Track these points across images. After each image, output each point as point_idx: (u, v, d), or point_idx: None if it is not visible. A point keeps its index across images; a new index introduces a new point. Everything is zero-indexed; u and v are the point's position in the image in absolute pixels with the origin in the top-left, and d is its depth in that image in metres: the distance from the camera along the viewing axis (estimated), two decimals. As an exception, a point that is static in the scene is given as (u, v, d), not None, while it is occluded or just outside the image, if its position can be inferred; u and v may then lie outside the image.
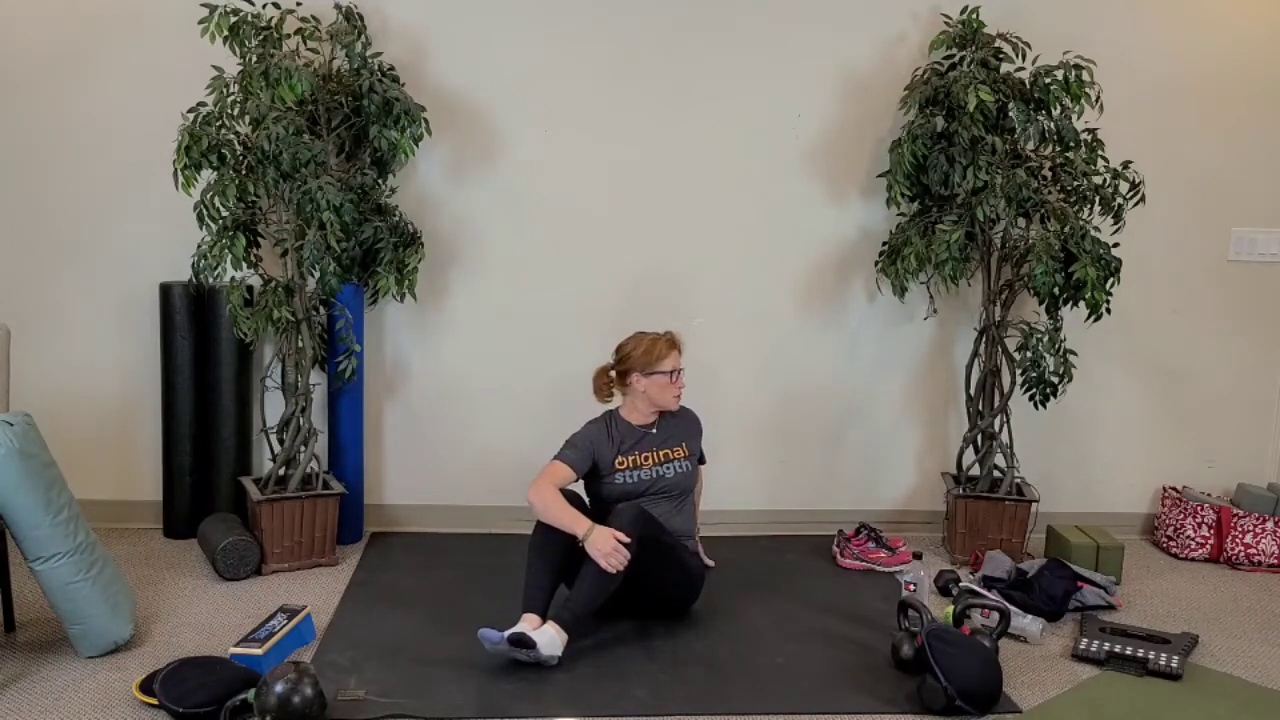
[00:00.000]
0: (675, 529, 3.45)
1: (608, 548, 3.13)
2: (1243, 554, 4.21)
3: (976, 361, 4.16)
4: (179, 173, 3.46)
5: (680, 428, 3.59)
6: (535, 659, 3.03)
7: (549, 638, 3.05)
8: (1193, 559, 4.27)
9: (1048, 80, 3.79)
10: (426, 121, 3.81)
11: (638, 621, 3.42)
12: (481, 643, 3.08)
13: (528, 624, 3.13)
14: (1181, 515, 4.28)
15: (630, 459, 3.45)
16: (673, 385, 3.48)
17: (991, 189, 3.77)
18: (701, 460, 3.70)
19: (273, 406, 3.97)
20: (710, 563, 3.80)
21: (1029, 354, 3.87)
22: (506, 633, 3.03)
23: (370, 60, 3.69)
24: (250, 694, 2.67)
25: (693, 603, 3.51)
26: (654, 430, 3.53)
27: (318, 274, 3.64)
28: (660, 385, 3.46)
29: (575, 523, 3.20)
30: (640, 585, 3.28)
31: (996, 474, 4.12)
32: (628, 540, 3.15)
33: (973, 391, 4.16)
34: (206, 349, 3.95)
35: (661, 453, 3.50)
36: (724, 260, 4.23)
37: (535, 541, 3.27)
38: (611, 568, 3.12)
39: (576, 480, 3.41)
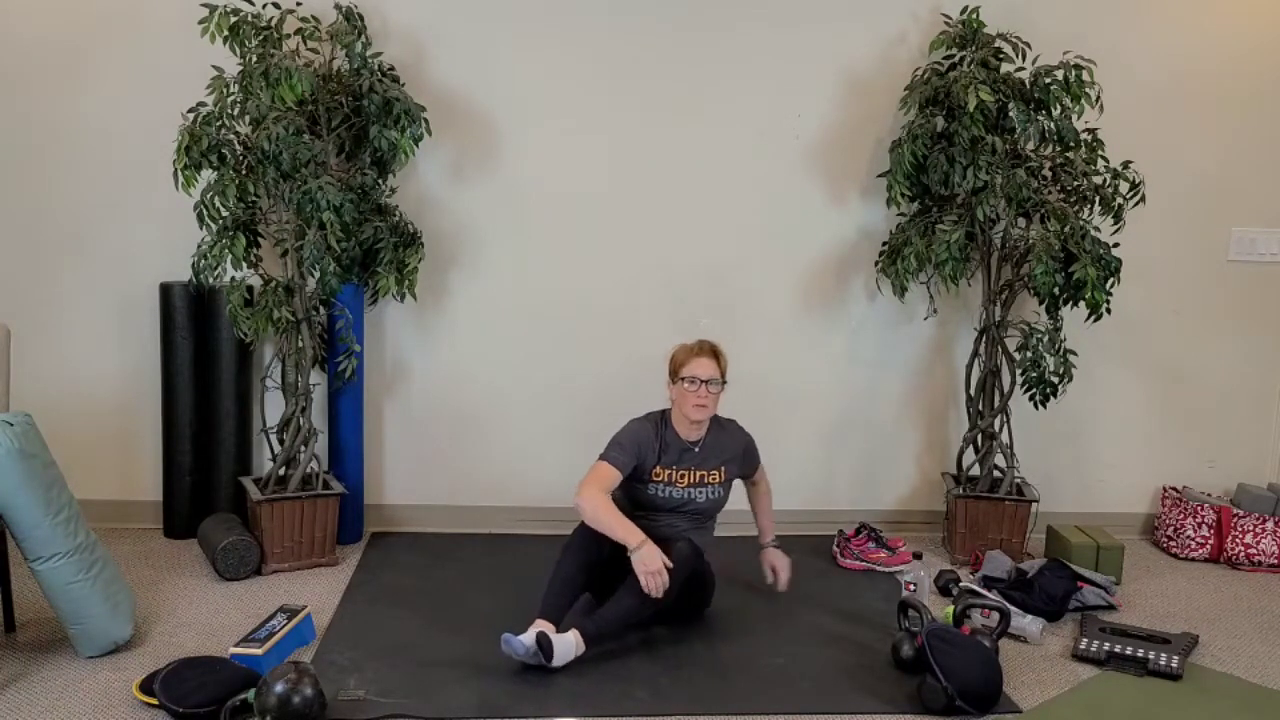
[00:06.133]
0: (684, 539, 3.38)
1: (654, 567, 3.06)
2: (1243, 554, 4.21)
3: (976, 361, 4.16)
4: (179, 173, 3.46)
5: (724, 446, 3.47)
6: (540, 661, 3.02)
7: (568, 645, 3.03)
8: (1193, 559, 4.27)
9: (1048, 80, 3.79)
10: (426, 121, 3.81)
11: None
12: (502, 646, 3.00)
13: (536, 631, 3.05)
14: (1181, 515, 4.28)
15: (668, 473, 3.38)
16: (691, 394, 3.32)
17: (991, 189, 3.77)
18: (752, 472, 3.60)
19: (273, 406, 3.97)
20: (777, 581, 3.64)
21: (1029, 354, 3.87)
22: (530, 637, 2.99)
23: (370, 60, 3.69)
24: (250, 694, 2.67)
25: (701, 612, 3.49)
26: (697, 448, 3.42)
27: (318, 274, 3.64)
28: (680, 392, 3.36)
29: (629, 534, 3.11)
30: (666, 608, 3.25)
31: (996, 474, 4.12)
32: (672, 567, 3.11)
33: (973, 391, 4.16)
34: (206, 349, 3.95)
35: (699, 473, 3.40)
36: (724, 260, 4.23)
37: (572, 547, 3.19)
38: (649, 589, 3.06)
39: (620, 479, 3.34)
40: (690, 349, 3.39)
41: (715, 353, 3.40)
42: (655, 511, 3.40)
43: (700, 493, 3.41)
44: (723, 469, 3.45)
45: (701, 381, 3.33)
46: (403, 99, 3.68)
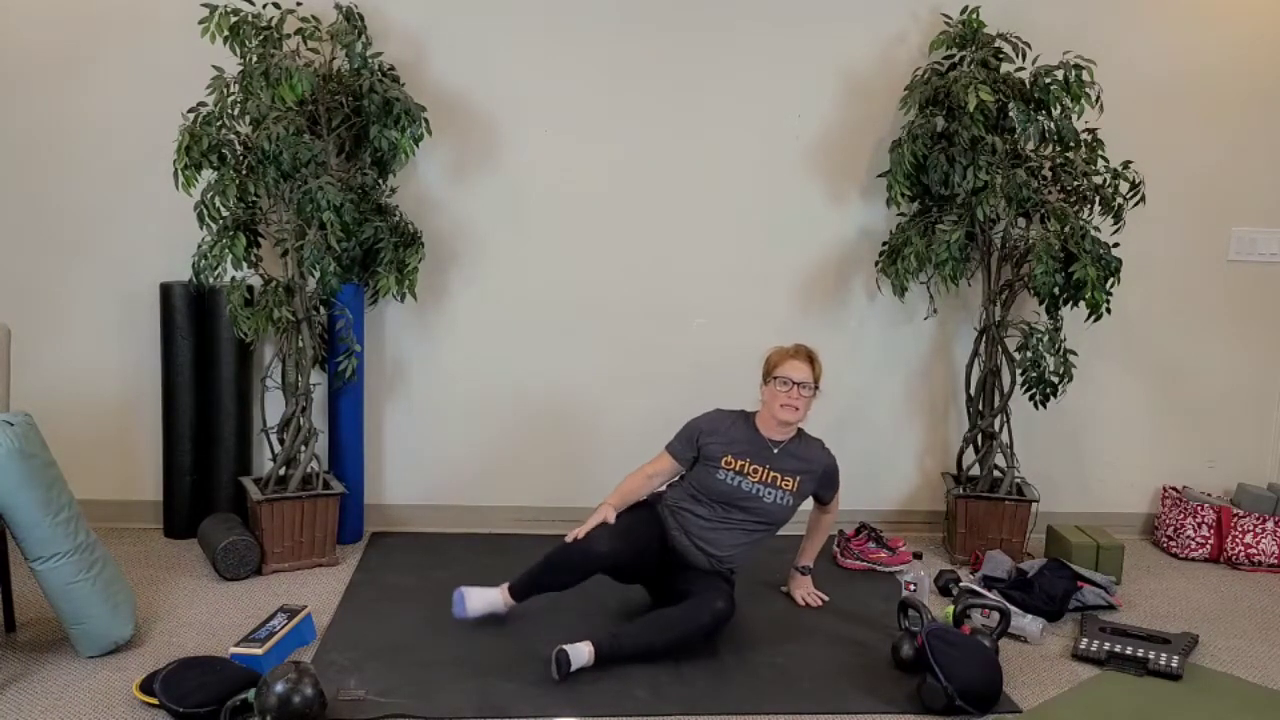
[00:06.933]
0: (730, 558, 3.36)
1: (590, 523, 3.23)
2: (1243, 554, 4.21)
3: (976, 361, 4.16)
4: (179, 173, 3.46)
5: (804, 457, 3.40)
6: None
7: (580, 657, 3.03)
8: (1193, 559, 4.27)
9: (1048, 80, 3.79)
10: (426, 121, 3.81)
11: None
12: (454, 599, 3.30)
13: (500, 595, 3.30)
14: (1181, 515, 4.28)
15: (739, 464, 3.33)
16: (782, 394, 3.29)
17: (991, 189, 3.77)
18: (829, 498, 3.55)
19: (273, 406, 3.97)
20: (812, 600, 3.67)
21: (1029, 354, 3.87)
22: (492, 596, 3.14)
23: (370, 60, 3.69)
24: (250, 694, 2.67)
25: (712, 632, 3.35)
26: (776, 449, 3.37)
27: (318, 274, 3.64)
28: (771, 392, 3.34)
29: (610, 497, 3.33)
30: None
31: (996, 474, 4.12)
32: (595, 541, 3.20)
33: (973, 391, 4.16)
34: (206, 349, 3.95)
35: (772, 474, 3.34)
36: (724, 260, 4.23)
37: (569, 550, 3.20)
38: (574, 531, 3.23)
39: (679, 471, 3.40)
40: (786, 351, 3.38)
41: (811, 358, 3.37)
42: (721, 504, 3.33)
43: (769, 493, 3.33)
44: (798, 479, 3.37)
45: (794, 383, 3.31)
46: (403, 99, 3.67)
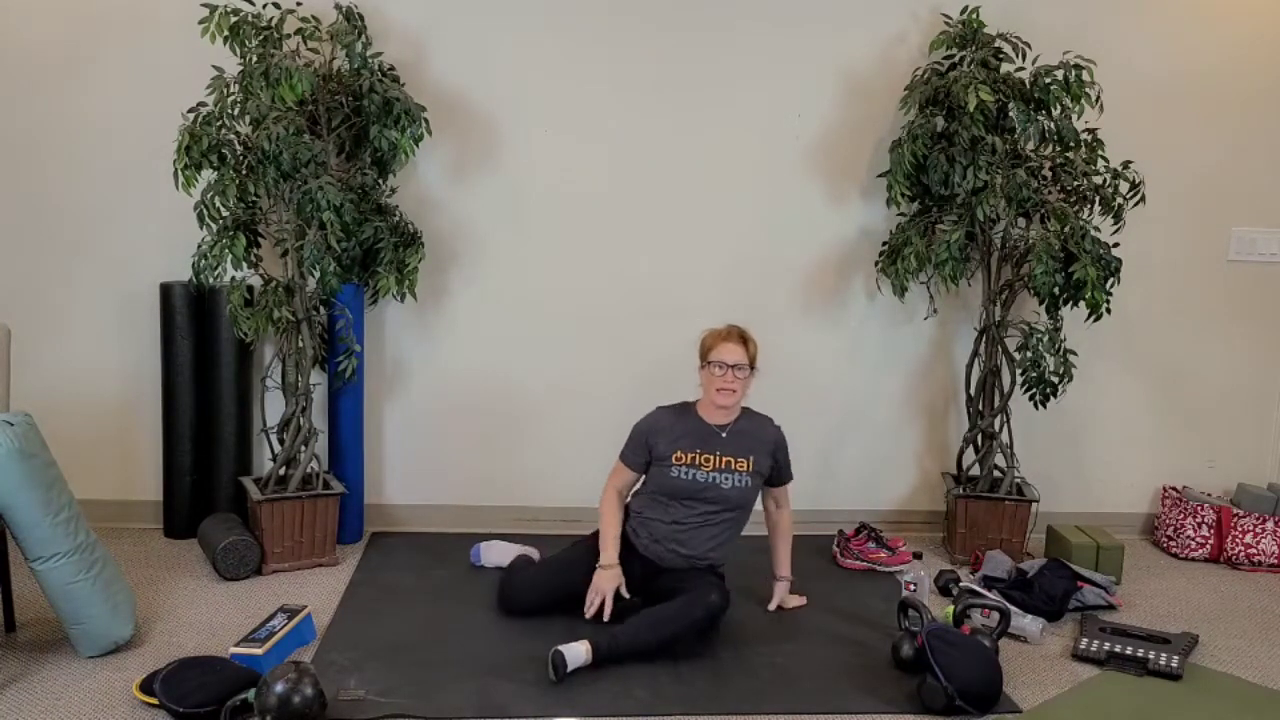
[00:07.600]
0: (707, 556, 3.35)
1: (602, 589, 3.26)
2: (1243, 554, 4.21)
3: (976, 361, 4.16)
4: (179, 173, 3.46)
5: (753, 438, 3.38)
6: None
7: (577, 656, 3.03)
8: (1193, 559, 4.27)
9: (1048, 80, 3.79)
10: (427, 121, 3.81)
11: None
12: (475, 554, 3.75)
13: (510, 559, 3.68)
14: (1181, 515, 4.28)
15: (690, 456, 3.32)
16: (718, 378, 3.27)
17: (991, 189, 3.77)
18: (782, 480, 3.51)
19: (273, 406, 3.97)
20: (792, 601, 3.62)
21: (1029, 354, 3.87)
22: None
23: (370, 60, 3.69)
24: (250, 694, 2.67)
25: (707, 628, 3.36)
26: (724, 434, 3.36)
27: (318, 274, 3.64)
28: (707, 376, 3.32)
29: (604, 550, 3.32)
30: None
31: (996, 474, 4.12)
32: (626, 597, 3.27)
33: (973, 391, 4.16)
34: (206, 349, 3.95)
35: (724, 459, 3.32)
36: (724, 260, 4.23)
37: (548, 577, 3.42)
38: (588, 604, 3.25)
39: (638, 477, 3.41)
40: (719, 334, 3.34)
41: (744, 339, 3.34)
42: (682, 501, 3.33)
43: (726, 479, 3.32)
44: (751, 459, 3.35)
45: (728, 366, 3.28)
46: (403, 99, 3.67)
